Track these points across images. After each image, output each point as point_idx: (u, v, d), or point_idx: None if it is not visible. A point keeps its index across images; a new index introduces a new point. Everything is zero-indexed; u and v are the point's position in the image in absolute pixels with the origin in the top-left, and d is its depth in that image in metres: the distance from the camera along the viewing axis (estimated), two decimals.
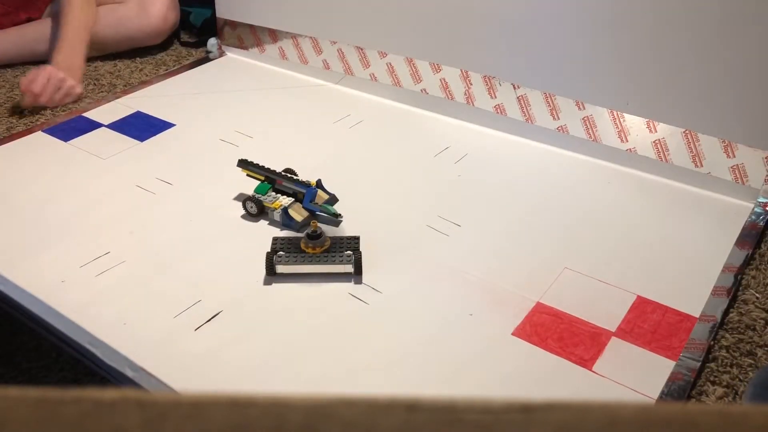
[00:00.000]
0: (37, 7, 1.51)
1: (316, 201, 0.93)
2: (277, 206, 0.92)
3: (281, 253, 0.84)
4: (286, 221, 0.92)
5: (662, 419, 0.18)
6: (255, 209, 0.93)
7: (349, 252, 0.84)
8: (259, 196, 0.94)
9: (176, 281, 0.83)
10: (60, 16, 1.37)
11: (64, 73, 1.28)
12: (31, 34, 1.46)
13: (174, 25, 1.53)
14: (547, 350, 0.73)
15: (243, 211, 0.95)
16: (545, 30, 1.07)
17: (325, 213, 0.93)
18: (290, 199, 0.94)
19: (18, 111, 1.26)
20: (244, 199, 0.95)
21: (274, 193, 0.95)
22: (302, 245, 0.84)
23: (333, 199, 0.96)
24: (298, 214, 0.92)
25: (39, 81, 1.24)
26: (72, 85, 1.29)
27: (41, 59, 1.41)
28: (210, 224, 0.93)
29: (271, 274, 0.83)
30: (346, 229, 0.93)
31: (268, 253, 0.83)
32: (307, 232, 0.85)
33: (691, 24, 0.95)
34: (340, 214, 0.94)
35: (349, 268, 0.83)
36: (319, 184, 0.95)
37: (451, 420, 0.18)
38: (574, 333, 0.76)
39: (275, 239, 0.87)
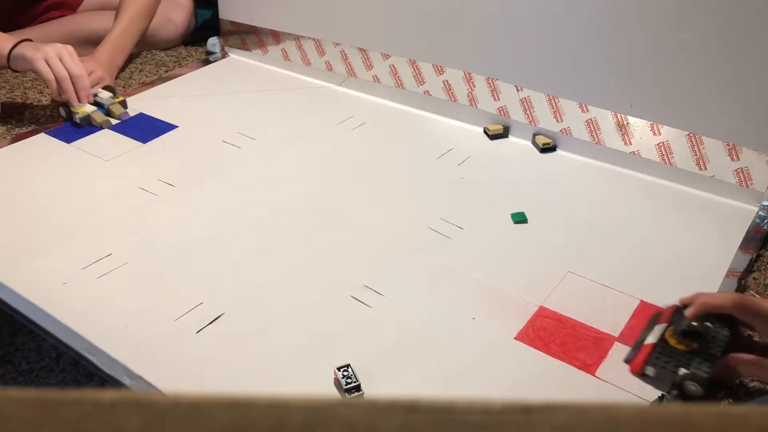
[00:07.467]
0: (69, 5, 1.51)
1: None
2: (80, 111, 1.16)
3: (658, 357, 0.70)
4: (85, 123, 1.16)
5: (662, 420, 0.18)
6: (65, 113, 1.18)
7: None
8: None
9: (178, 283, 0.83)
10: (117, 13, 1.37)
11: (98, 68, 1.27)
12: (56, 30, 1.45)
13: (191, 28, 1.56)
14: (549, 355, 0.73)
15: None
16: (549, 32, 1.07)
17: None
18: (94, 108, 1.17)
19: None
20: (59, 105, 1.16)
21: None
22: (673, 342, 0.71)
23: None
24: (98, 117, 1.16)
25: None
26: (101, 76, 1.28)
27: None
28: (212, 226, 0.93)
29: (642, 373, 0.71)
30: (347, 230, 0.93)
31: None
32: (682, 329, 0.71)
33: (695, 26, 0.95)
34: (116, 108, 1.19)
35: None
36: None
37: (451, 421, 0.18)
38: (577, 337, 0.75)
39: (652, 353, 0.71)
